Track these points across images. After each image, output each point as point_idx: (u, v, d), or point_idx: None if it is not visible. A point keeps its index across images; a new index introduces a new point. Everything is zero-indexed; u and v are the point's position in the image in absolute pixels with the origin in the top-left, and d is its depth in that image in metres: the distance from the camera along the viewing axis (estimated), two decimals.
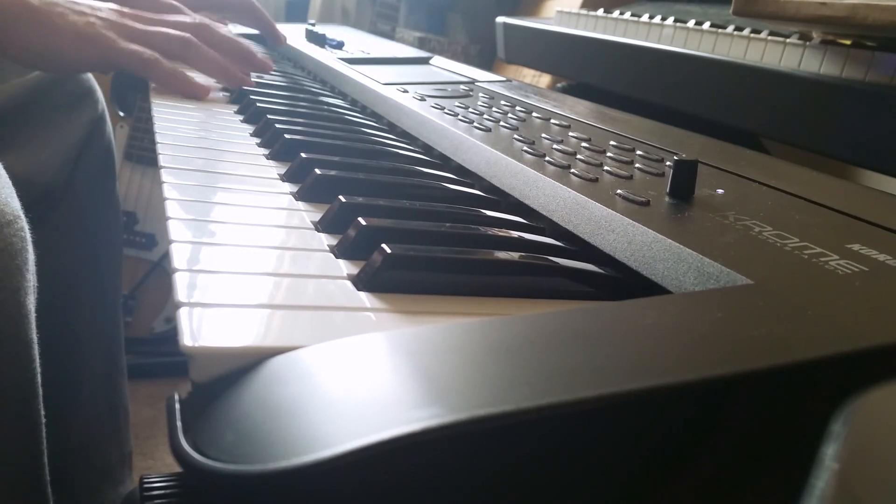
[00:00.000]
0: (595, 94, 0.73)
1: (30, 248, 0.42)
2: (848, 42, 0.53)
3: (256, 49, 0.75)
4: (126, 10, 0.64)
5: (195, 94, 0.64)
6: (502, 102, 0.62)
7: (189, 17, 0.68)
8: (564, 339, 0.22)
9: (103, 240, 0.77)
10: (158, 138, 0.49)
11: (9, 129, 0.65)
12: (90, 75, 0.75)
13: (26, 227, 0.42)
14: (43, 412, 0.43)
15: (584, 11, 0.80)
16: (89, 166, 0.73)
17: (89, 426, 0.74)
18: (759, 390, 0.21)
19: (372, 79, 0.71)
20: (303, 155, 0.45)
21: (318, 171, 0.42)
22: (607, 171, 0.42)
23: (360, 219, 0.33)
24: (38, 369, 0.42)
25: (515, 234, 0.36)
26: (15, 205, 0.41)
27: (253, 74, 0.72)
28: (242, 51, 0.70)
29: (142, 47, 0.62)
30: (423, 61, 0.86)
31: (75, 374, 0.72)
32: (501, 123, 0.54)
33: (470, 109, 0.58)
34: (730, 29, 0.61)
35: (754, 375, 0.21)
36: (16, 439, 0.41)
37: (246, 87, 0.68)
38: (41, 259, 0.44)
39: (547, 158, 0.44)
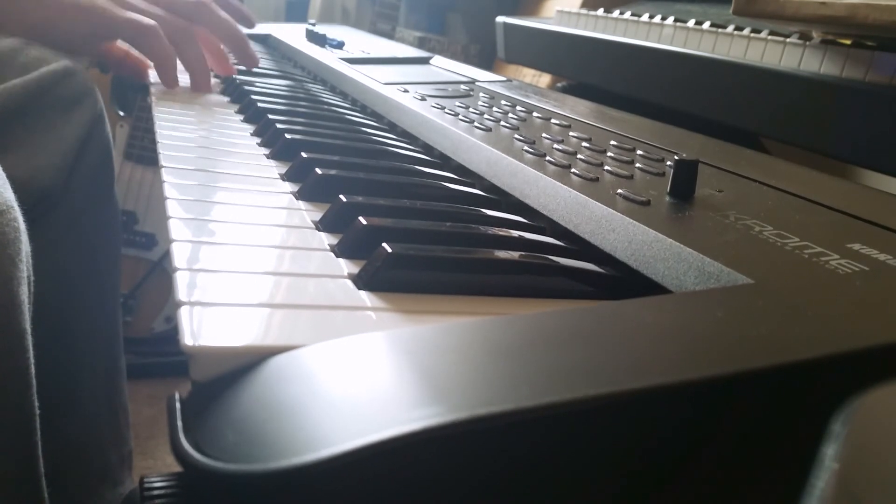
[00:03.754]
0: (595, 93, 0.72)
1: (23, 238, 0.42)
2: (848, 42, 0.53)
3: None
4: None
5: (169, 83, 0.65)
6: (503, 102, 0.62)
7: None
8: (565, 339, 0.22)
9: (102, 240, 0.77)
10: (159, 138, 0.49)
11: (7, 129, 0.64)
12: (89, 76, 0.75)
13: (20, 217, 0.42)
14: (37, 405, 0.43)
15: (584, 11, 0.80)
16: (88, 167, 0.73)
17: (88, 426, 0.74)
18: (759, 390, 0.21)
19: (372, 78, 0.71)
20: (303, 154, 0.45)
21: (318, 170, 0.42)
22: (608, 171, 0.42)
23: (360, 218, 0.33)
24: (32, 360, 0.42)
25: (516, 233, 0.36)
26: (8, 195, 0.41)
27: (256, 76, 0.73)
28: (237, 38, 0.71)
29: (140, 16, 0.61)
30: (424, 61, 0.86)
31: (74, 373, 0.72)
32: (502, 123, 0.54)
33: (470, 109, 0.58)
34: (730, 29, 0.61)
35: (754, 375, 0.21)
36: (10, 430, 0.40)
37: (247, 88, 0.68)
38: (39, 259, 0.44)
39: (547, 158, 0.44)
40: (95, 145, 0.75)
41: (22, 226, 0.42)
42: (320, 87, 0.79)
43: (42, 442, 0.44)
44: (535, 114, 0.58)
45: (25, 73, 0.68)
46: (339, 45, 0.92)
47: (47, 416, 0.44)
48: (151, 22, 0.62)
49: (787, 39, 0.56)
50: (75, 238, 0.72)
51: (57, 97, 0.70)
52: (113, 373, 0.79)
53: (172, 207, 0.35)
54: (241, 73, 0.76)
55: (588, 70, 0.77)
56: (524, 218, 0.40)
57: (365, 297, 0.28)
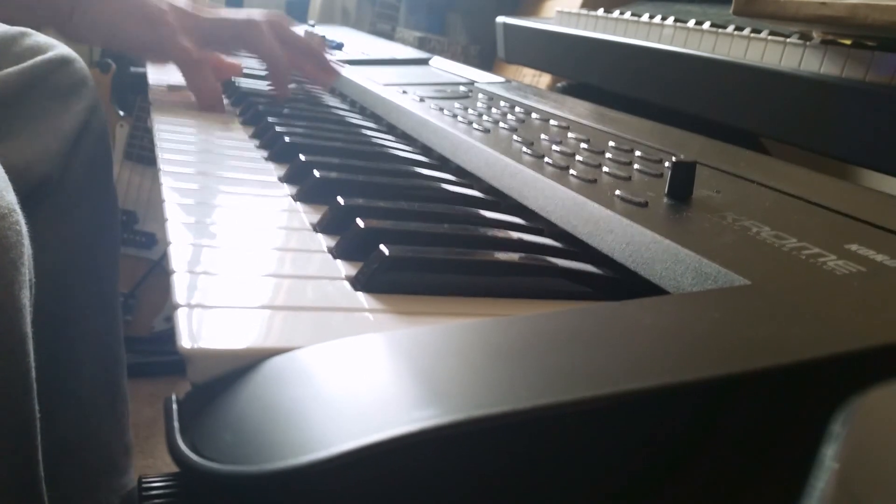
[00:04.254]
0: (595, 94, 0.72)
1: (25, 241, 0.42)
2: (848, 42, 0.53)
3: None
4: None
5: (212, 109, 0.67)
6: (501, 103, 0.62)
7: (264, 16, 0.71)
8: (562, 340, 0.22)
9: (100, 228, 0.77)
10: (158, 140, 0.49)
11: (3, 117, 0.64)
12: (84, 64, 0.75)
13: (22, 220, 0.42)
14: (37, 408, 0.43)
15: (584, 11, 0.80)
16: (85, 155, 0.73)
17: (89, 420, 0.74)
18: (758, 391, 0.21)
19: (371, 80, 0.71)
20: (302, 157, 0.45)
21: (317, 172, 0.42)
22: (606, 172, 0.42)
23: (358, 220, 0.33)
24: (33, 364, 0.42)
25: (514, 234, 0.36)
26: (10, 198, 0.41)
27: (255, 78, 0.73)
28: (311, 51, 0.72)
29: (194, 46, 0.65)
30: (423, 62, 0.86)
31: (73, 367, 0.72)
32: (500, 124, 0.54)
33: (469, 111, 0.58)
34: (730, 29, 0.61)
35: (752, 376, 0.21)
36: (9, 435, 0.40)
37: (245, 90, 0.68)
38: (38, 249, 0.44)
39: (546, 159, 0.44)
40: (92, 134, 0.75)
41: (24, 229, 0.42)
42: (319, 88, 0.79)
43: (41, 439, 0.44)
44: (533, 115, 0.58)
45: (21, 62, 0.68)
46: (339, 47, 0.92)
47: (47, 411, 0.44)
48: (201, 57, 0.65)
49: (787, 39, 0.56)
50: (74, 226, 0.72)
51: (53, 86, 0.70)
52: (112, 365, 0.79)
53: (171, 210, 0.35)
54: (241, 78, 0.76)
55: (588, 70, 0.77)
56: (522, 219, 0.40)
57: (363, 298, 0.28)
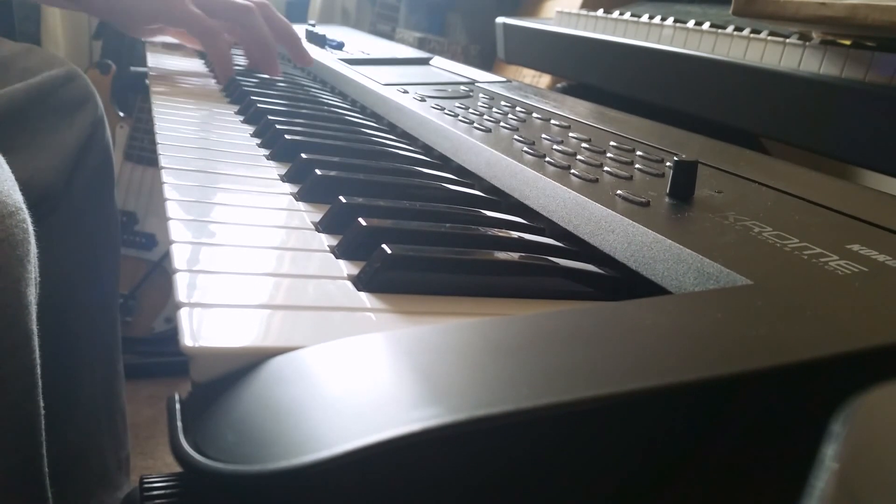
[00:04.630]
0: (595, 94, 0.73)
1: (31, 240, 0.42)
2: (848, 42, 0.53)
3: None
4: None
5: (225, 76, 0.74)
6: (502, 103, 0.62)
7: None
8: (564, 340, 0.22)
9: (101, 243, 0.77)
10: (159, 139, 0.49)
11: (8, 132, 0.65)
12: (88, 80, 0.76)
13: (28, 219, 0.42)
14: (42, 404, 0.43)
15: (583, 12, 0.80)
16: (88, 170, 0.73)
17: (87, 430, 0.74)
18: (759, 390, 0.21)
19: (372, 79, 0.71)
20: (303, 155, 0.45)
21: (318, 171, 0.42)
22: (607, 172, 0.42)
23: (359, 219, 0.33)
24: (38, 361, 0.42)
25: (515, 234, 0.36)
26: (17, 197, 0.42)
27: (256, 77, 0.73)
28: (293, 37, 0.79)
29: (205, 15, 0.70)
30: (424, 62, 0.86)
31: (74, 377, 0.72)
32: (501, 124, 0.54)
33: (470, 110, 0.58)
34: (729, 29, 0.61)
35: (754, 376, 0.21)
36: (15, 429, 0.41)
37: (247, 88, 0.68)
38: (41, 261, 0.44)
39: (547, 159, 0.44)
40: (96, 149, 0.75)
41: (30, 227, 0.42)
42: (320, 87, 0.79)
43: (47, 439, 0.44)
44: (534, 114, 0.58)
45: (27, 78, 0.69)
46: (339, 46, 0.92)
47: (47, 419, 0.44)
48: (215, 24, 0.70)
49: (787, 40, 0.56)
50: (75, 241, 0.72)
51: (59, 101, 0.70)
52: (111, 376, 0.79)
53: (172, 208, 0.35)
54: (240, 73, 0.76)
55: (588, 71, 0.77)
56: (523, 219, 0.40)
57: (364, 298, 0.28)
